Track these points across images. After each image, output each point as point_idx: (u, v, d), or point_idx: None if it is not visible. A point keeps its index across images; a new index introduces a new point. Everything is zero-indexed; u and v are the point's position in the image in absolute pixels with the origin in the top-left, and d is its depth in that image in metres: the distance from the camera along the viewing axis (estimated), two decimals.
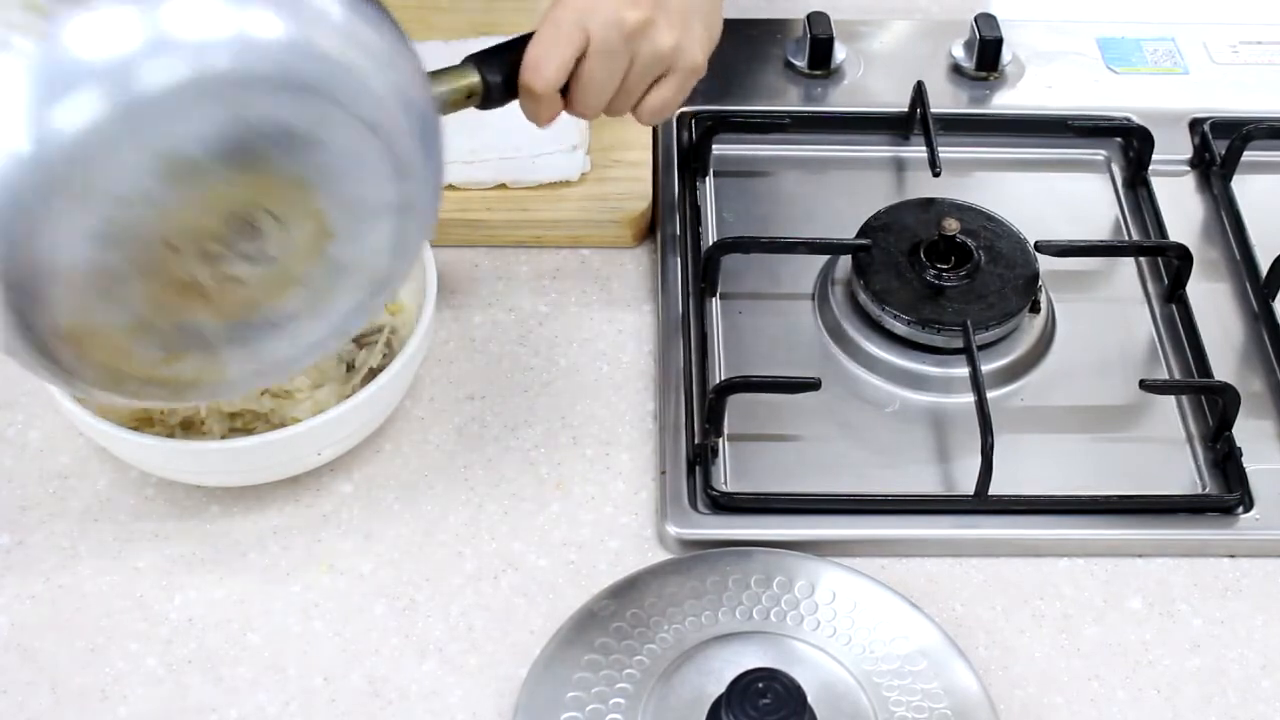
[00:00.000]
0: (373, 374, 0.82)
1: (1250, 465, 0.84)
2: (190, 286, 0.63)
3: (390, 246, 0.68)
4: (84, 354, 0.62)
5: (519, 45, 0.76)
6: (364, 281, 0.69)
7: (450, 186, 0.96)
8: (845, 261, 0.93)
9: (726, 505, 0.81)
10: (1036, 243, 0.92)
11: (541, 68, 0.75)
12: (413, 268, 0.75)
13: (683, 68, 0.79)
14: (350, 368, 0.85)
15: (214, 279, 0.63)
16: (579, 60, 0.75)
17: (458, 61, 0.76)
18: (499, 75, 0.75)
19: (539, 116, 0.78)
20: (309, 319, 0.68)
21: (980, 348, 0.87)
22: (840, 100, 1.07)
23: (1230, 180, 1.01)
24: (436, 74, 0.74)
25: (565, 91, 0.77)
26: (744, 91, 1.07)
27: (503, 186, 0.97)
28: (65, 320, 0.60)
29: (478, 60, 0.76)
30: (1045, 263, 0.92)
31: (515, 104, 0.78)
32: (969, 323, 0.87)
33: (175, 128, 0.58)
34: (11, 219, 0.56)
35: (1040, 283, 0.91)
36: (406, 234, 0.68)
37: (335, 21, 0.61)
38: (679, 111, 1.03)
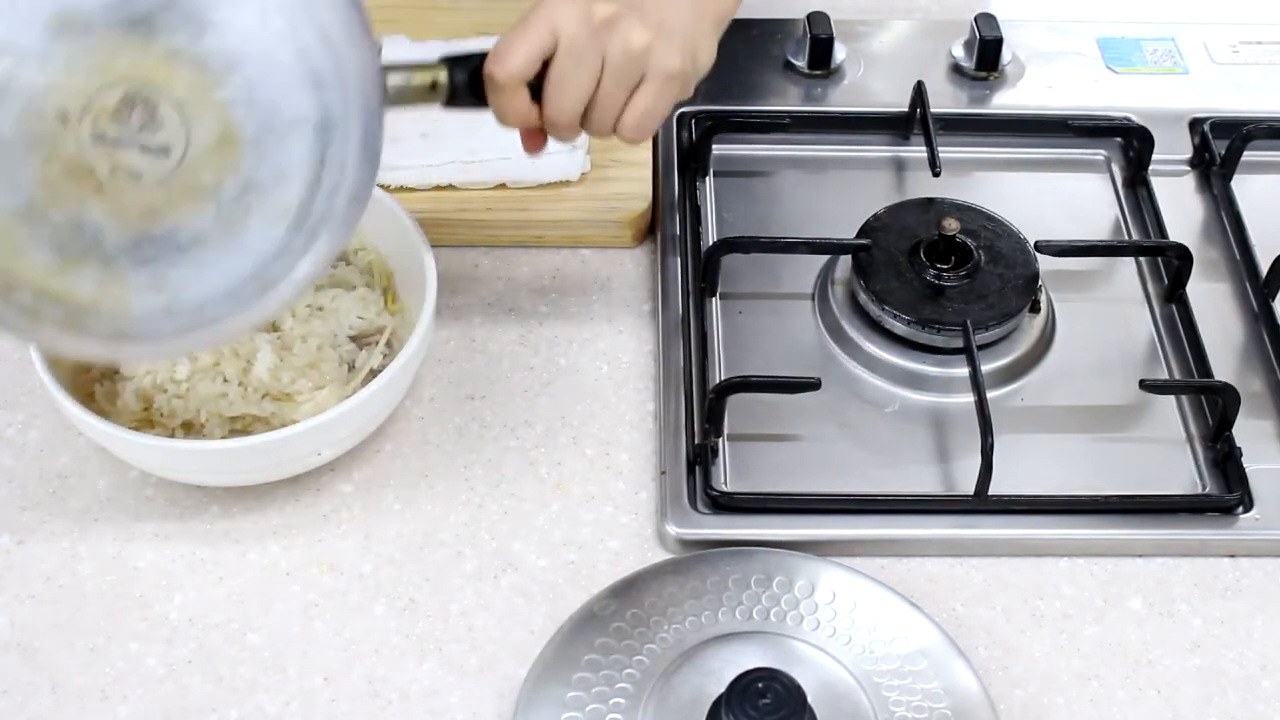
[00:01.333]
0: (373, 375, 0.81)
1: (1250, 465, 0.84)
2: (84, 173, 0.63)
3: (308, 175, 0.67)
4: None
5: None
6: (278, 211, 0.67)
7: (450, 186, 0.96)
8: (845, 261, 0.93)
9: (726, 505, 0.81)
10: (1036, 243, 0.92)
11: (505, 56, 0.74)
12: (352, 228, 0.70)
13: (657, 72, 0.76)
14: (351, 368, 0.85)
15: (109, 168, 0.63)
16: (550, 60, 0.74)
17: None
18: (464, 73, 0.75)
19: (506, 113, 0.76)
20: (218, 247, 0.67)
21: (980, 348, 0.87)
22: (840, 100, 1.07)
23: (1230, 180, 1.01)
24: (403, 65, 0.74)
25: (540, 97, 0.75)
26: (744, 91, 1.06)
27: (503, 186, 0.97)
28: None
29: (450, 59, 0.76)
30: (1045, 263, 0.92)
31: None
32: (969, 323, 0.87)
33: None
34: None
35: (1040, 283, 0.91)
36: (329, 168, 0.67)
37: None
38: (679, 111, 1.03)
